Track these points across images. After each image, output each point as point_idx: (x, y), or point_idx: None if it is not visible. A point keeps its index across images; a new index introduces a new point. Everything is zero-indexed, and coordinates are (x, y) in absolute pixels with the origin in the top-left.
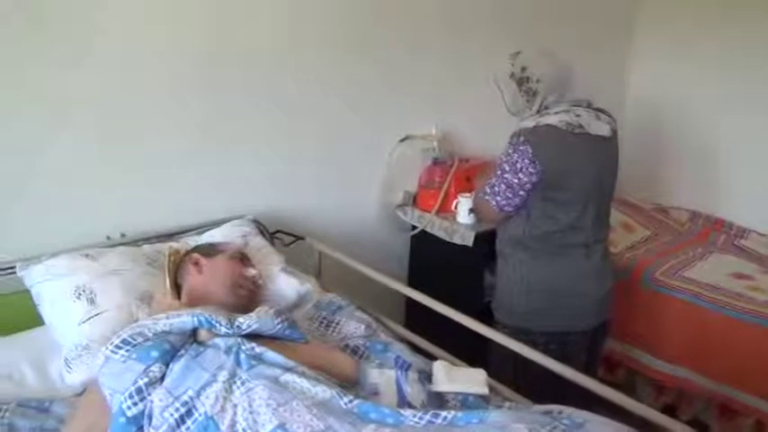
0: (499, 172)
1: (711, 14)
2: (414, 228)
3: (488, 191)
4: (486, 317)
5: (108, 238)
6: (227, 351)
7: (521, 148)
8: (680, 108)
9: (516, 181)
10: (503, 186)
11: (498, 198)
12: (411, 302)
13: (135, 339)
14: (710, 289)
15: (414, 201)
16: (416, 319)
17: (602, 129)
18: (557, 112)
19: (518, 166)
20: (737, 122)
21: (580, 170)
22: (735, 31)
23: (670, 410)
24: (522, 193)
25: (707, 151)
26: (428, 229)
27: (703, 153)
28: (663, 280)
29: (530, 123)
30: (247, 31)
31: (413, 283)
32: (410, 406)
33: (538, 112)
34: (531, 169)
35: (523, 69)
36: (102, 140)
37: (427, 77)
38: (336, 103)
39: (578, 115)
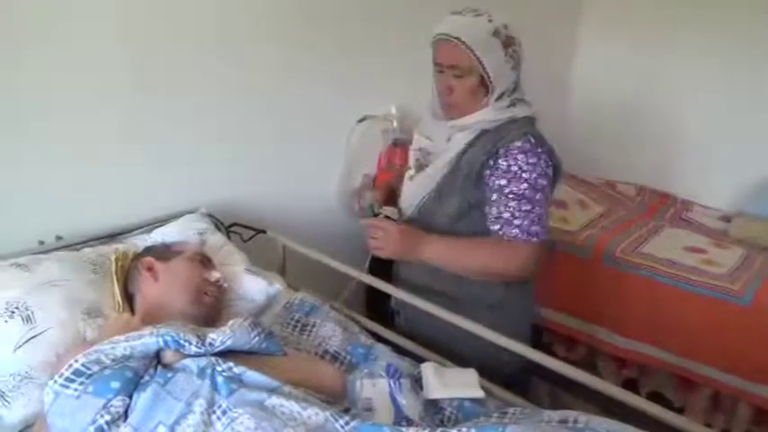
0: (539, 195)
1: None
2: (376, 214)
3: (537, 229)
4: None
5: (41, 242)
6: (201, 374)
7: (539, 150)
8: (624, 84)
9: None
10: (546, 211)
11: (545, 228)
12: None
13: (90, 369)
14: (668, 264)
15: (374, 185)
16: (379, 309)
17: None
18: (521, 100)
19: (550, 173)
20: (679, 99)
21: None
22: (679, 10)
23: (631, 384)
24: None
25: (650, 126)
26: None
27: (647, 128)
28: (623, 257)
29: (503, 115)
30: (192, 12)
31: (372, 271)
32: (408, 420)
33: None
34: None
35: (506, 27)
36: (29, 126)
37: (385, 55)
38: (289, 85)
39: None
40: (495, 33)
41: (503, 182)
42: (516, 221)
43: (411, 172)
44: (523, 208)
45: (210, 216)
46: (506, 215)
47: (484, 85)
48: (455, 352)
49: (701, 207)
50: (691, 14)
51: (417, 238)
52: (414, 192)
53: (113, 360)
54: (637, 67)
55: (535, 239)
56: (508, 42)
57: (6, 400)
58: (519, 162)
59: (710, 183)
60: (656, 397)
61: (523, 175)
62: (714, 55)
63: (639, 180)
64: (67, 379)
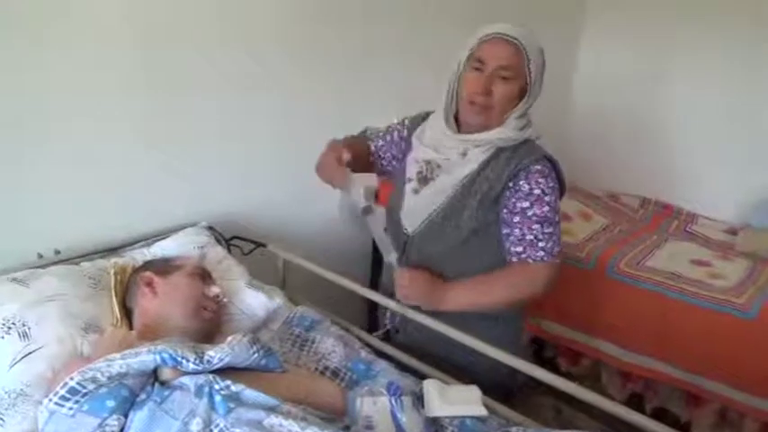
0: (557, 216)
1: None
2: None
3: (558, 249)
4: None
5: (40, 256)
6: (198, 392)
7: (554, 174)
8: (627, 93)
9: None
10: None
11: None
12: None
13: (85, 387)
14: (673, 277)
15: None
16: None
17: None
18: (529, 122)
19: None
20: (684, 110)
21: None
22: (685, 15)
23: (637, 399)
24: None
25: (654, 137)
26: None
27: (651, 138)
28: (627, 271)
29: (519, 135)
30: (194, 23)
31: (374, 286)
32: None
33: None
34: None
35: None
36: (26, 138)
37: (387, 67)
38: (291, 97)
39: None
40: (541, 51)
41: (525, 204)
42: (540, 243)
43: (413, 185)
44: (546, 230)
45: (211, 229)
46: (530, 237)
47: (519, 96)
48: (459, 366)
49: (705, 219)
50: (696, 22)
51: (440, 287)
52: (421, 206)
53: (109, 378)
54: (641, 78)
55: (558, 260)
56: (544, 64)
57: (1, 418)
58: (541, 186)
59: (715, 195)
60: (662, 412)
61: (545, 198)
62: (722, 64)
63: (643, 192)
64: (62, 397)
